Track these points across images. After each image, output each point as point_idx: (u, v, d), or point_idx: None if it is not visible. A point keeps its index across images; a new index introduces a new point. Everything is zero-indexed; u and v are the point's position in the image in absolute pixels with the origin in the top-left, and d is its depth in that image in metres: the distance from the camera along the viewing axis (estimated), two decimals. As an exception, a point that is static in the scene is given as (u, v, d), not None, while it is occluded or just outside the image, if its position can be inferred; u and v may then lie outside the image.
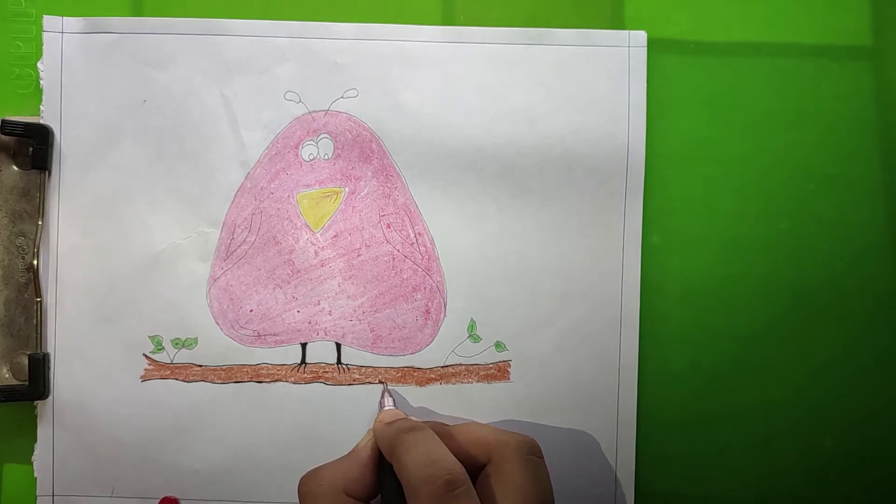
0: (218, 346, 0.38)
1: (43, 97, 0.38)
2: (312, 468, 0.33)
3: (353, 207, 0.38)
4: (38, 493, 0.38)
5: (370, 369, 0.38)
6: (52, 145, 0.37)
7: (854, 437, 0.38)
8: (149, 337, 0.38)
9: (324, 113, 0.38)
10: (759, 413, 0.38)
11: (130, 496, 0.38)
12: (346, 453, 0.34)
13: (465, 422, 0.36)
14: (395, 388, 0.38)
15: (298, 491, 0.33)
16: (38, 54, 0.38)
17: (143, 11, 0.38)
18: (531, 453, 0.32)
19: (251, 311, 0.38)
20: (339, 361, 0.38)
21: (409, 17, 0.38)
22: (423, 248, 0.38)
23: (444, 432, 0.33)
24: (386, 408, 0.36)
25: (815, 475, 0.38)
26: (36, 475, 0.38)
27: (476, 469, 0.32)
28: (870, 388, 0.38)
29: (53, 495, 0.38)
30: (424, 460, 0.30)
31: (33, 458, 0.38)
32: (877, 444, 0.38)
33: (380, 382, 0.38)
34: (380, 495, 0.33)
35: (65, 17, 0.38)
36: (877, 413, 0.38)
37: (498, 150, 0.38)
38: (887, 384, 0.38)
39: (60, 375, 0.38)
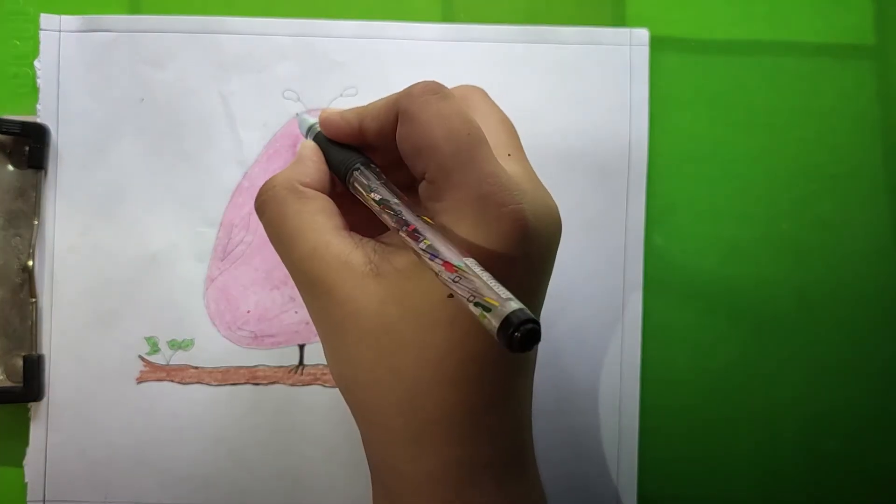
0: (215, 348, 0.37)
1: (40, 96, 0.37)
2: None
3: (353, 207, 0.38)
4: (28, 498, 0.37)
5: (369, 371, 0.37)
6: (48, 144, 0.37)
7: (859, 440, 0.38)
8: (145, 338, 0.37)
9: (323, 112, 0.38)
10: (764, 416, 0.38)
11: (123, 502, 0.37)
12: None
13: None
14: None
15: (256, 208, 0.28)
16: (35, 53, 0.38)
17: (140, 9, 0.38)
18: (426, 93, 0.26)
19: (248, 312, 0.38)
20: (337, 363, 0.37)
21: (409, 15, 0.38)
22: (422, 248, 0.38)
23: None
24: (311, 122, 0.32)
25: (820, 479, 0.38)
26: (27, 480, 0.37)
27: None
28: (875, 390, 0.38)
29: (44, 501, 0.37)
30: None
31: (24, 462, 0.37)
32: (882, 447, 0.38)
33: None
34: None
35: (62, 16, 0.38)
36: (882, 416, 0.38)
37: (498, 149, 0.38)
38: (893, 387, 0.38)
39: (55, 377, 0.37)
